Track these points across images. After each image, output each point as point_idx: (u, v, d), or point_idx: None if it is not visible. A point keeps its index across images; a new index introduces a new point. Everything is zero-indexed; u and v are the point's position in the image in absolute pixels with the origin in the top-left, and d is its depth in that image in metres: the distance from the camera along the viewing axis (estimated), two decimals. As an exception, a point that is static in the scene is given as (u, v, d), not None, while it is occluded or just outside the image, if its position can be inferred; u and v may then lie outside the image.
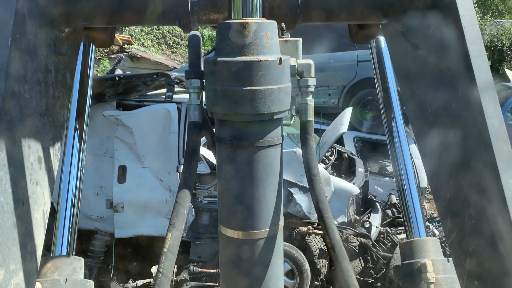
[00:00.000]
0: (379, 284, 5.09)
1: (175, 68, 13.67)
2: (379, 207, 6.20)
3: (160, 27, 18.19)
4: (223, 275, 1.38)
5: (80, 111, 1.56)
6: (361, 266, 5.11)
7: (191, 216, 5.45)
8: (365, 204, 6.21)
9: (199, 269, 5.20)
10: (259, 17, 1.22)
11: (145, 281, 5.14)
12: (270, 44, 1.18)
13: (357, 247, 4.89)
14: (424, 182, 7.15)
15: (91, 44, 1.65)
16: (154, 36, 18.58)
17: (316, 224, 5.15)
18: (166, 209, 5.55)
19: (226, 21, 1.19)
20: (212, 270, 5.18)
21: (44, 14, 1.34)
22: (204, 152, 5.26)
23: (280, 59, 1.18)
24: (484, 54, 1.18)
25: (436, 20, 1.30)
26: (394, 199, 6.46)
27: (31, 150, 1.24)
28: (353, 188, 5.45)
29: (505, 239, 1.06)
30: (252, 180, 1.24)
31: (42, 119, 1.32)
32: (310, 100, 1.36)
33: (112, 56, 14.60)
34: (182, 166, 4.99)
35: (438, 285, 1.26)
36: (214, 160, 5.15)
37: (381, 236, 5.56)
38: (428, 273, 1.26)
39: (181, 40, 19.28)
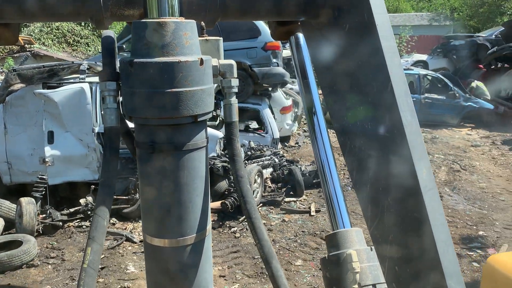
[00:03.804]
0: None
1: (79, 63, 15.29)
2: (242, 150, 8.95)
3: (60, 26, 19.34)
4: (151, 285, 1.32)
5: None
6: (226, 183, 7.76)
7: (106, 162, 7.67)
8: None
9: (116, 196, 7.46)
10: (177, 16, 1.17)
11: (76, 208, 7.28)
12: (190, 44, 1.13)
13: (221, 169, 7.52)
14: (277, 134, 10.11)
15: None
16: (54, 36, 19.65)
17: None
18: (86, 161, 7.68)
19: (142, 20, 1.13)
20: (124, 197, 7.46)
21: None
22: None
23: (201, 59, 1.13)
24: (396, 51, 1.21)
25: (350, 17, 1.31)
26: (252, 144, 9.31)
27: None
28: (219, 133, 8.11)
29: (421, 226, 1.08)
30: (177, 186, 1.18)
31: None
32: (234, 100, 1.33)
33: (15, 55, 15.71)
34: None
35: (363, 274, 1.27)
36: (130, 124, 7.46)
37: (241, 166, 8.32)
38: (353, 263, 1.27)
39: (81, 38, 20.57)
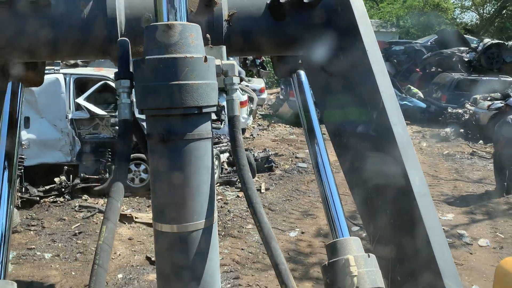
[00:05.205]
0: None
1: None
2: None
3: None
4: (160, 272, 1.38)
5: (9, 153, 1.53)
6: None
7: (78, 146, 8.52)
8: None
9: (87, 176, 8.34)
10: (184, 21, 1.29)
11: (51, 185, 8.09)
12: (195, 44, 1.24)
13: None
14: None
15: (20, 84, 1.61)
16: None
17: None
18: (59, 144, 8.48)
19: (153, 23, 1.25)
20: (95, 177, 8.34)
21: None
22: (85, 103, 8.37)
23: (205, 57, 1.24)
24: (386, 73, 1.34)
25: (344, 47, 1.42)
26: (211, 132, 10.44)
27: None
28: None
29: (417, 229, 1.15)
30: (184, 173, 1.26)
31: None
32: (236, 96, 1.40)
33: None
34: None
35: (361, 278, 1.32)
36: (94, 109, 8.31)
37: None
38: (351, 267, 1.32)
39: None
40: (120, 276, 5.64)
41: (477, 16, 34.94)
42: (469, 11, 35.23)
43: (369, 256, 1.38)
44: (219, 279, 1.40)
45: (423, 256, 1.19)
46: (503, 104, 10.40)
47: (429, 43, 20.99)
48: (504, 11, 32.29)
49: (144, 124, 1.37)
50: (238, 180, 9.40)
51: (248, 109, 13.65)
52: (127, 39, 1.38)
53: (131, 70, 1.32)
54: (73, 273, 5.67)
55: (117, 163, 1.28)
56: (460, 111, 14.91)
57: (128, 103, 1.30)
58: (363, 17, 1.44)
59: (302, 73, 1.83)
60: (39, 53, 1.53)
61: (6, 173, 1.50)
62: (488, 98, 14.61)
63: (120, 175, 1.24)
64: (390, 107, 1.30)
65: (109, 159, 8.49)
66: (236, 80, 1.39)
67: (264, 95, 16.87)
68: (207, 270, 1.32)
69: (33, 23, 1.44)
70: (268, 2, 1.56)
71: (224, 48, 1.51)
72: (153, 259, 5.99)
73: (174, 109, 1.22)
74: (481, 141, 13.65)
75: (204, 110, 1.25)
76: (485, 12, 34.06)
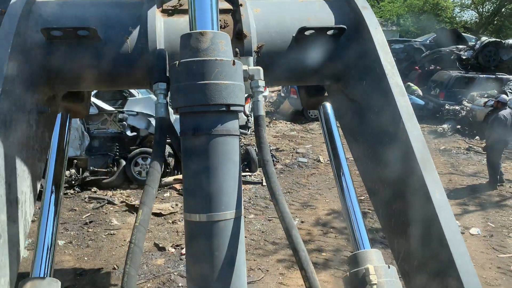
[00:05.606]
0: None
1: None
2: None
3: None
4: (189, 259, 1.44)
5: (56, 177, 1.67)
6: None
7: (87, 140, 8.88)
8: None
9: (96, 169, 8.70)
10: (215, 30, 1.42)
11: (62, 178, 8.44)
12: (225, 50, 1.36)
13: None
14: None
15: (68, 115, 1.77)
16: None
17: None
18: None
19: (188, 32, 1.37)
20: (103, 170, 8.69)
21: (31, 78, 1.49)
22: (93, 99, 8.72)
23: (234, 60, 1.35)
24: (405, 93, 1.45)
25: (365, 73, 1.53)
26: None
27: (11, 190, 1.34)
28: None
29: (439, 243, 1.21)
30: (212, 166, 1.34)
31: (22, 166, 1.41)
32: (261, 98, 1.50)
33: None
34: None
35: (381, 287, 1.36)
36: (102, 105, 8.64)
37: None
38: (370, 276, 1.38)
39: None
40: (130, 260, 5.98)
41: (477, 15, 35.22)
42: (468, 9, 35.52)
43: (389, 267, 1.44)
44: (245, 269, 1.46)
45: (444, 268, 1.24)
46: (493, 101, 10.73)
47: (428, 41, 21.29)
48: (503, 9, 32.54)
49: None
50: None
51: (250, 106, 13.99)
52: (164, 49, 1.57)
53: (167, 75, 1.46)
54: (85, 258, 6.02)
55: (153, 155, 1.40)
56: (457, 108, 15.23)
57: (164, 103, 1.43)
58: (383, 45, 1.59)
59: (328, 105, 1.96)
60: (87, 84, 1.69)
61: (53, 196, 1.68)
62: (485, 96, 14.92)
63: (156, 165, 1.37)
64: (410, 125, 1.40)
65: (117, 153, 8.85)
66: (261, 83, 1.50)
67: (266, 93, 17.21)
68: (233, 262, 1.38)
69: (83, 55, 1.61)
70: (294, 35, 1.71)
71: (251, 58, 1.65)
72: (161, 245, 6.35)
73: (205, 105, 1.32)
74: (477, 137, 13.96)
75: (232, 108, 1.35)
76: (484, 10, 34.34)
